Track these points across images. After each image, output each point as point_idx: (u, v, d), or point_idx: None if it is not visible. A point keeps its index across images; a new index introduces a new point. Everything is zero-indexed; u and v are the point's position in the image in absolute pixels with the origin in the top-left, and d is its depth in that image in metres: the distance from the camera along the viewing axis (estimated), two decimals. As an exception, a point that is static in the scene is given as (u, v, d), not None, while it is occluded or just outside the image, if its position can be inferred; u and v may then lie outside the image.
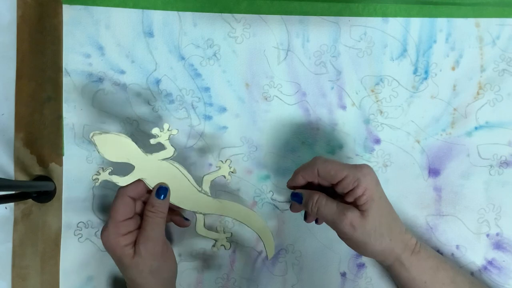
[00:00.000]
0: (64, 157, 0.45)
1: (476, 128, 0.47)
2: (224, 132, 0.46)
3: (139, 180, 0.40)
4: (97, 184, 0.40)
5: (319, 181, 0.40)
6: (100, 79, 0.45)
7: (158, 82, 0.46)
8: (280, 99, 0.46)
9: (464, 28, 0.46)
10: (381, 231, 0.38)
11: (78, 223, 0.45)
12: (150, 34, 0.45)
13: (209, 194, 0.42)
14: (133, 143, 0.40)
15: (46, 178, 0.45)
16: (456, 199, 0.47)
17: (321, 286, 0.47)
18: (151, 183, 0.40)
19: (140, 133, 0.46)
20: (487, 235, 0.47)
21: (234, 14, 0.45)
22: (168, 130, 0.40)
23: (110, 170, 0.40)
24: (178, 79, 0.46)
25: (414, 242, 0.41)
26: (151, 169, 0.40)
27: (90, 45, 0.45)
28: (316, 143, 0.47)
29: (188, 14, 0.45)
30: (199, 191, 0.41)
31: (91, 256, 0.45)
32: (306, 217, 0.43)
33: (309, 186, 0.41)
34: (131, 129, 0.46)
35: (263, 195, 0.46)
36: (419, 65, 0.47)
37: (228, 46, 0.46)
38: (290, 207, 0.44)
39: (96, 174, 0.40)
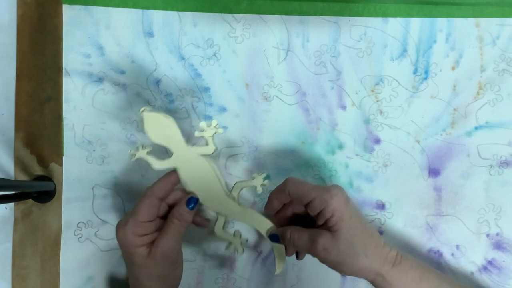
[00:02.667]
0: (64, 157, 0.45)
1: (476, 128, 0.47)
2: (224, 132, 0.46)
3: (169, 180, 0.39)
4: (132, 159, 0.40)
5: (294, 203, 0.41)
6: (100, 79, 0.45)
7: (158, 82, 0.46)
8: (280, 99, 0.46)
9: (464, 28, 0.46)
10: (355, 249, 0.38)
11: (78, 223, 0.45)
12: (150, 34, 0.45)
13: (236, 200, 0.42)
14: (179, 130, 0.40)
15: (46, 178, 0.45)
16: (456, 199, 0.47)
17: (321, 286, 0.47)
18: (184, 175, 0.40)
19: (140, 133, 0.46)
20: (487, 235, 0.47)
21: (234, 14, 0.45)
22: (215, 127, 0.40)
23: (148, 150, 0.40)
24: (178, 79, 0.46)
25: (394, 254, 0.40)
26: (188, 161, 0.40)
27: (90, 45, 0.45)
28: (316, 143, 0.47)
29: (188, 14, 0.45)
30: (227, 195, 0.41)
31: (91, 256, 0.45)
32: (287, 252, 0.43)
33: (287, 209, 0.42)
34: (131, 129, 0.46)
35: (263, 195, 0.46)
36: (419, 65, 0.47)
37: (228, 46, 0.46)
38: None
39: (134, 150, 0.40)
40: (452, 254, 0.47)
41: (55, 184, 0.45)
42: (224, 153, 0.46)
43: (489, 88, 0.47)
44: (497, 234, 0.47)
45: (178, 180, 0.40)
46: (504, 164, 0.47)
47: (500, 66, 0.47)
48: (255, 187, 0.42)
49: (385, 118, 0.47)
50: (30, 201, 0.45)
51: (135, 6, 0.45)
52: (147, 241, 0.38)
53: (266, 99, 0.46)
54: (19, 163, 0.45)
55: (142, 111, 0.39)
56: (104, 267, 0.45)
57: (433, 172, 0.47)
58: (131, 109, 0.46)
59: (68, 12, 0.45)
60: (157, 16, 0.45)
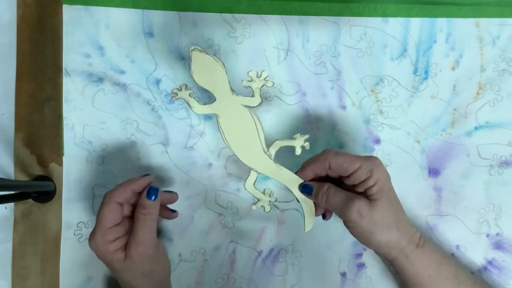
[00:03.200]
0: (64, 157, 0.45)
1: (476, 128, 0.47)
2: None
3: (127, 184, 0.39)
4: (173, 99, 0.39)
5: (328, 174, 0.40)
6: (100, 79, 0.45)
7: (158, 82, 0.46)
8: (280, 99, 0.46)
9: (464, 28, 0.46)
10: (389, 221, 0.38)
11: (78, 223, 0.45)
12: (150, 34, 0.45)
13: (272, 158, 0.41)
14: (226, 76, 0.39)
15: (46, 178, 0.45)
16: (456, 199, 0.47)
17: (321, 286, 0.47)
18: (224, 123, 0.39)
19: (140, 133, 0.46)
20: (487, 235, 0.47)
21: (234, 14, 0.45)
22: (264, 79, 0.39)
23: (191, 92, 0.39)
24: (178, 79, 0.46)
25: (418, 236, 0.41)
26: (230, 109, 0.39)
27: (90, 45, 0.45)
28: (316, 143, 0.47)
29: (188, 14, 0.45)
30: (264, 151, 0.40)
31: (91, 256, 0.45)
32: (316, 210, 0.43)
33: (315, 178, 0.41)
34: (131, 129, 0.46)
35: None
36: (419, 65, 0.47)
37: (228, 46, 0.46)
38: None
39: (177, 89, 0.39)
40: (452, 254, 0.47)
41: (55, 184, 0.45)
42: (224, 153, 0.46)
43: (489, 88, 0.47)
44: (497, 234, 0.47)
45: (139, 188, 0.39)
46: (504, 164, 0.47)
47: (500, 66, 0.47)
48: (294, 147, 0.41)
49: (385, 118, 0.47)
50: (30, 201, 0.45)
51: (135, 6, 0.45)
52: (120, 245, 0.39)
53: (266, 99, 0.46)
54: (19, 163, 0.45)
55: (192, 50, 0.38)
56: (104, 267, 0.45)
57: (433, 172, 0.47)
58: (131, 109, 0.46)
59: (68, 12, 0.45)
60: (157, 16, 0.45)
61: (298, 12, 0.46)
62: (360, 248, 0.47)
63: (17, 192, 0.42)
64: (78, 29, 0.45)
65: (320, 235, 0.47)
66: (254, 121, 0.40)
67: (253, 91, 0.40)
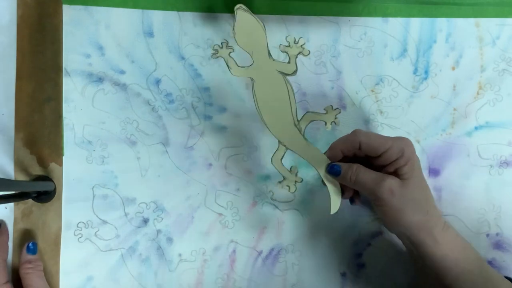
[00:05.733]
0: (64, 157, 0.45)
1: (476, 128, 0.47)
2: (224, 132, 0.46)
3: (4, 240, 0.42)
4: (213, 56, 0.39)
5: (357, 154, 0.40)
6: (100, 79, 0.45)
7: (158, 82, 0.46)
8: (280, 99, 0.46)
9: (464, 28, 0.46)
10: (420, 201, 0.38)
11: (78, 223, 0.45)
12: (150, 34, 0.45)
13: (302, 132, 0.40)
14: (266, 39, 0.38)
15: (46, 178, 0.45)
16: (456, 199, 0.47)
17: (321, 286, 0.47)
18: (258, 89, 0.38)
19: (140, 133, 0.46)
20: (487, 235, 0.47)
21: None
22: (301, 46, 0.38)
23: (231, 51, 0.39)
24: (178, 79, 0.46)
25: (443, 219, 0.40)
26: (265, 73, 0.38)
27: (90, 45, 0.45)
28: (316, 143, 0.47)
29: (188, 14, 0.45)
30: (295, 124, 0.39)
31: (91, 256, 0.45)
32: (344, 193, 0.42)
33: (342, 160, 0.41)
34: (131, 129, 0.46)
35: (263, 195, 0.46)
36: (419, 65, 0.47)
37: (228, 46, 0.46)
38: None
39: (218, 46, 0.38)
40: (452, 254, 0.47)
41: (55, 184, 0.45)
42: (224, 153, 0.46)
43: (489, 88, 0.47)
44: (497, 234, 0.47)
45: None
46: (504, 164, 0.47)
47: (500, 66, 0.47)
48: (325, 122, 0.40)
49: (385, 118, 0.47)
50: (30, 201, 0.45)
51: (135, 6, 0.45)
52: None
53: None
54: (19, 163, 0.45)
55: (238, 8, 0.37)
56: (104, 267, 0.45)
57: (433, 172, 0.47)
58: (131, 109, 0.46)
59: (68, 12, 0.45)
60: (157, 16, 0.45)
61: (298, 12, 0.46)
62: (360, 248, 0.47)
63: (17, 192, 0.42)
64: (78, 29, 0.45)
65: (320, 235, 0.47)
66: (288, 89, 0.38)
67: (289, 57, 0.38)
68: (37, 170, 0.45)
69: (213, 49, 0.39)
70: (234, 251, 0.47)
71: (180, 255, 0.46)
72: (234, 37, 0.38)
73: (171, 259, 0.46)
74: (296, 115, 0.39)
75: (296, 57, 0.38)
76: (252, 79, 0.38)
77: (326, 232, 0.47)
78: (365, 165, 0.40)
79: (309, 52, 0.39)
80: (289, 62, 0.39)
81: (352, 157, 0.40)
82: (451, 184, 0.47)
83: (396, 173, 0.38)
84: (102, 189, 0.45)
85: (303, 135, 0.40)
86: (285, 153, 0.40)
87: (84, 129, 0.45)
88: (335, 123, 0.40)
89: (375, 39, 0.46)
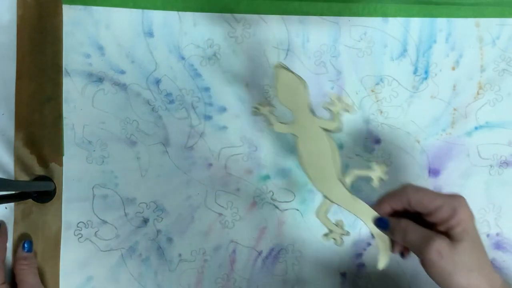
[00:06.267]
0: (64, 157, 0.45)
1: (476, 128, 0.47)
2: (224, 132, 0.46)
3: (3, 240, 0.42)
4: (254, 114, 0.39)
5: (407, 209, 0.38)
6: (100, 79, 0.45)
7: (158, 82, 0.46)
8: (280, 99, 0.46)
9: (464, 28, 0.47)
10: (471, 265, 0.36)
11: (78, 223, 0.45)
12: (150, 34, 0.45)
13: (347, 187, 0.39)
14: (308, 97, 0.38)
15: (46, 178, 0.45)
16: (456, 199, 0.47)
17: (321, 286, 0.47)
18: (301, 146, 0.38)
19: (140, 133, 0.46)
20: (487, 235, 0.47)
21: (234, 14, 0.46)
22: (346, 103, 0.38)
23: (273, 109, 0.39)
24: (178, 79, 0.46)
25: (500, 281, 0.38)
26: (307, 130, 0.38)
27: (90, 45, 0.45)
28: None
29: (188, 14, 0.45)
30: (339, 178, 0.39)
31: (91, 256, 0.45)
32: (393, 247, 0.41)
33: (392, 213, 0.40)
34: (131, 129, 0.46)
35: (263, 195, 0.46)
36: (419, 65, 0.47)
37: (228, 46, 0.46)
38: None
39: (259, 104, 0.39)
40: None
41: (55, 184, 0.45)
42: (224, 153, 0.46)
43: (489, 88, 0.47)
44: (497, 234, 0.47)
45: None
46: (504, 164, 0.47)
47: (500, 66, 0.47)
48: (371, 178, 0.39)
49: (385, 118, 0.47)
50: (30, 201, 0.45)
51: (135, 6, 0.45)
52: None
53: (266, 99, 0.46)
54: (19, 163, 0.45)
55: (277, 66, 0.37)
56: (104, 267, 0.45)
57: (433, 172, 0.47)
58: (131, 109, 0.46)
59: (68, 12, 0.45)
60: (157, 16, 0.45)
61: (298, 12, 0.46)
62: (360, 248, 0.47)
63: (17, 192, 0.42)
64: (78, 29, 0.45)
65: (320, 235, 0.47)
66: (331, 146, 0.38)
67: (332, 115, 0.39)
68: (37, 170, 0.45)
69: (254, 107, 0.39)
70: (234, 251, 0.47)
71: (180, 255, 0.46)
72: (276, 95, 0.38)
73: (171, 259, 0.46)
74: (341, 170, 0.39)
75: (340, 114, 0.39)
76: (294, 135, 0.39)
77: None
78: (416, 220, 0.38)
79: (353, 109, 0.39)
80: (332, 119, 0.39)
81: (403, 211, 0.39)
82: (451, 184, 0.47)
83: (447, 233, 0.36)
84: (102, 189, 0.45)
85: (349, 190, 0.39)
86: (330, 206, 0.40)
87: (84, 129, 0.45)
88: (382, 180, 0.40)
89: (375, 39, 0.46)
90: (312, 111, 0.38)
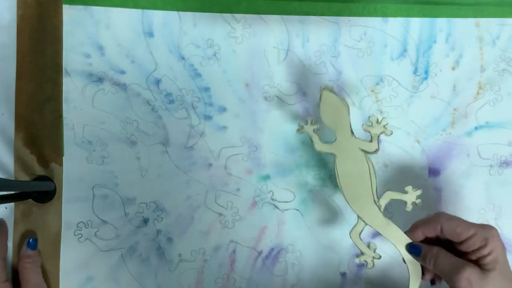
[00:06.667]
0: (64, 157, 0.45)
1: (476, 128, 0.47)
2: (224, 132, 0.46)
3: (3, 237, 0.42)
4: (298, 132, 0.41)
5: (440, 237, 0.39)
6: (100, 79, 0.45)
7: (158, 82, 0.46)
8: (280, 99, 0.46)
9: (464, 28, 0.46)
10: None
11: (78, 223, 0.45)
12: (150, 34, 0.45)
13: (382, 210, 0.40)
14: (349, 118, 0.39)
15: (46, 178, 0.45)
16: (456, 199, 0.47)
17: (321, 286, 0.47)
18: (339, 163, 0.40)
19: (140, 133, 0.46)
20: (487, 235, 0.47)
21: (234, 14, 0.46)
22: (384, 126, 0.40)
23: (316, 127, 0.40)
24: (178, 79, 0.46)
25: None
26: (347, 150, 0.40)
27: (90, 45, 0.45)
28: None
29: (188, 14, 0.45)
30: (375, 201, 0.40)
31: (91, 256, 0.45)
32: (424, 274, 0.41)
33: (425, 240, 0.40)
34: (131, 129, 0.46)
35: (263, 195, 0.46)
36: (419, 65, 0.47)
37: (228, 46, 0.46)
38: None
39: (303, 123, 0.40)
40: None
41: (55, 184, 0.45)
42: (224, 153, 0.46)
43: (489, 88, 0.47)
44: (497, 234, 0.47)
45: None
46: (504, 164, 0.47)
47: (500, 66, 0.47)
48: (405, 202, 0.41)
49: (385, 118, 0.47)
50: (30, 201, 0.45)
51: (135, 6, 0.45)
52: None
53: (266, 99, 0.46)
54: (19, 163, 0.45)
55: (323, 89, 0.39)
56: (104, 267, 0.45)
57: (433, 172, 0.47)
58: (131, 109, 0.46)
59: (68, 12, 0.45)
60: (157, 16, 0.45)
61: (298, 12, 0.46)
62: (360, 248, 0.47)
63: (17, 192, 0.42)
64: (78, 29, 0.45)
65: (320, 235, 0.47)
66: (369, 167, 0.40)
67: (371, 136, 0.40)
68: (37, 170, 0.45)
69: (299, 125, 0.41)
70: (234, 251, 0.47)
71: (180, 255, 0.46)
72: (320, 115, 0.40)
73: (171, 259, 0.46)
74: (377, 193, 0.40)
75: (378, 136, 0.40)
76: (334, 155, 0.40)
77: (326, 232, 0.47)
78: (448, 248, 0.39)
79: (392, 133, 0.40)
80: (371, 141, 0.40)
81: (436, 239, 0.40)
82: (451, 184, 0.47)
83: (477, 262, 0.37)
84: (102, 189, 0.45)
85: (383, 213, 0.40)
86: (363, 228, 0.41)
87: (84, 129, 0.45)
88: (415, 204, 0.41)
89: (375, 39, 0.46)
90: (353, 132, 0.40)
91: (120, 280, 0.46)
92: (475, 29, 0.47)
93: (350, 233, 0.42)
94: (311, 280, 0.47)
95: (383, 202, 0.41)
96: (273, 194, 0.46)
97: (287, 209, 0.47)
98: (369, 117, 0.41)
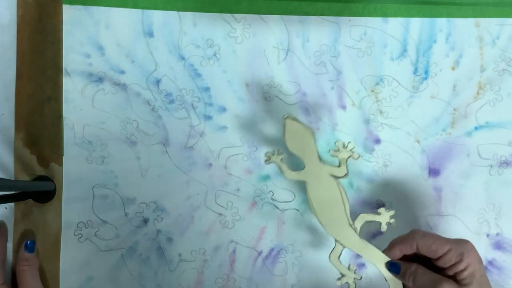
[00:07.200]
0: (64, 157, 0.45)
1: (476, 128, 0.47)
2: (224, 132, 0.46)
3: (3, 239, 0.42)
4: (266, 163, 0.41)
5: (417, 253, 0.40)
6: (100, 79, 0.45)
7: (158, 82, 0.46)
8: (280, 99, 0.46)
9: (464, 28, 0.46)
10: None
11: (78, 223, 0.45)
12: (150, 34, 0.45)
13: (358, 232, 0.41)
14: (315, 145, 0.40)
15: (46, 178, 0.45)
16: (456, 199, 0.47)
17: (321, 286, 0.47)
18: (311, 190, 0.40)
19: (140, 133, 0.46)
20: (487, 235, 0.47)
21: (234, 14, 0.46)
22: (351, 150, 0.40)
23: (283, 157, 0.41)
24: (178, 79, 0.46)
25: None
26: (317, 177, 0.40)
27: (90, 45, 0.45)
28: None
29: (188, 14, 0.45)
30: (350, 224, 0.41)
31: (91, 256, 0.45)
32: None
33: (404, 257, 0.41)
34: (131, 129, 0.46)
35: (263, 195, 0.46)
36: (419, 65, 0.47)
37: (228, 46, 0.46)
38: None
39: (271, 154, 0.41)
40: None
41: (55, 184, 0.45)
42: (224, 153, 0.46)
43: (489, 88, 0.47)
44: (497, 234, 0.47)
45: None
46: (504, 164, 0.47)
47: (500, 66, 0.47)
48: (380, 223, 0.42)
49: (385, 118, 0.47)
50: (30, 201, 0.45)
51: (135, 6, 0.45)
52: None
53: (266, 99, 0.46)
54: (19, 163, 0.45)
55: (286, 118, 0.39)
56: (104, 267, 0.45)
57: (433, 172, 0.47)
58: (131, 109, 0.46)
59: (68, 12, 0.45)
60: (157, 16, 0.45)
61: (298, 12, 0.46)
62: (360, 248, 0.47)
63: (17, 192, 0.42)
64: (78, 29, 0.45)
65: (320, 235, 0.47)
66: (340, 191, 0.40)
67: (339, 162, 0.40)
68: (37, 170, 0.45)
69: (266, 156, 0.41)
70: (234, 251, 0.47)
71: (180, 255, 0.46)
72: (285, 144, 0.40)
73: (171, 259, 0.46)
74: (350, 216, 0.41)
75: (346, 161, 0.40)
76: (305, 182, 0.40)
77: (326, 232, 0.46)
78: (427, 263, 0.39)
79: (359, 156, 0.41)
80: (339, 166, 0.40)
81: (414, 255, 0.40)
82: (451, 184, 0.47)
83: (455, 278, 0.37)
84: (102, 189, 0.45)
85: (359, 235, 0.41)
86: (342, 250, 0.42)
87: (84, 129, 0.45)
88: (390, 224, 0.42)
89: (375, 39, 0.46)
90: (320, 158, 0.40)
91: (120, 280, 0.46)
92: (475, 29, 0.47)
93: (329, 256, 0.42)
94: (311, 280, 0.47)
95: (358, 224, 0.41)
96: (273, 194, 0.46)
97: (287, 209, 0.47)
98: (335, 142, 0.41)
